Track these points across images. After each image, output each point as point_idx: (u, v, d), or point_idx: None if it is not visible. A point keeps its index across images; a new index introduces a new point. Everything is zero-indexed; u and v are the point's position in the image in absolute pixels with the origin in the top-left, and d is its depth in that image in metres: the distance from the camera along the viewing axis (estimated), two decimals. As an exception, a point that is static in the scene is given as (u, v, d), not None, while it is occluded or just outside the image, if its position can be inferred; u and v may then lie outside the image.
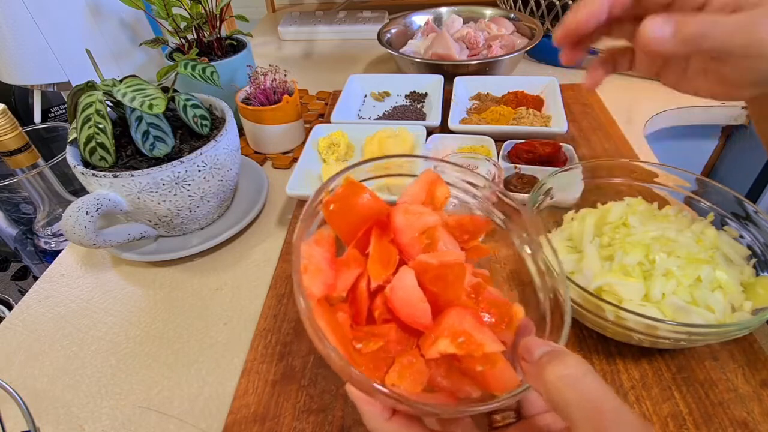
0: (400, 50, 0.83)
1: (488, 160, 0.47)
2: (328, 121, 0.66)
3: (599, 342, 0.40)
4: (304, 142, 0.69)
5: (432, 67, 0.76)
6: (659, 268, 0.36)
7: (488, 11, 0.90)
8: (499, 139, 0.61)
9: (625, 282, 0.36)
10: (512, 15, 0.87)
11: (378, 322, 0.25)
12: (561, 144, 0.58)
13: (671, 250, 0.37)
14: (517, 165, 0.56)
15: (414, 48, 0.84)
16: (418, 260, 0.26)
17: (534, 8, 0.90)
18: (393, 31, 0.88)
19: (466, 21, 0.89)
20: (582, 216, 0.44)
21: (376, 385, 0.21)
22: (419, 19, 0.91)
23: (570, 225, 0.44)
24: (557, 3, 0.87)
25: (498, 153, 0.59)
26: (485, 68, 0.75)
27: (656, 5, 0.31)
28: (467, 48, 0.81)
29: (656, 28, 0.27)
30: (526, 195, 0.53)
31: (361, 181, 0.29)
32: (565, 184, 0.53)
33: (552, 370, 0.21)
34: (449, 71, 0.74)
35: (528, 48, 0.77)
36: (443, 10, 0.92)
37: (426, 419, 0.25)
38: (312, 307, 0.23)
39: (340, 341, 0.23)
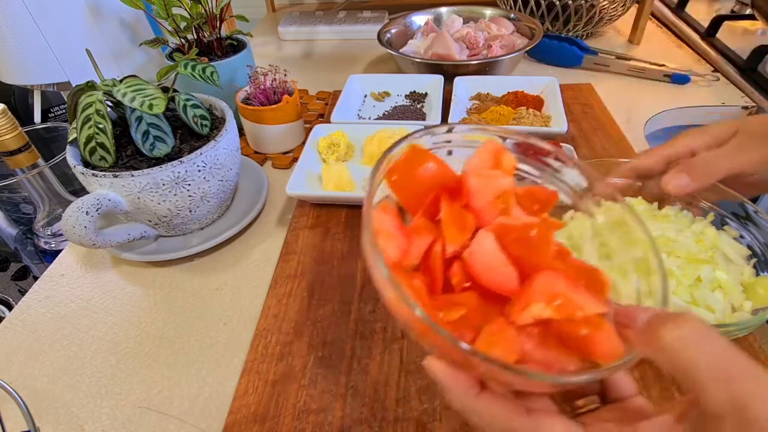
0: (400, 50, 0.83)
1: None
2: (328, 121, 0.66)
3: (599, 342, 0.40)
4: (304, 142, 0.69)
5: (432, 67, 0.75)
6: None
7: (488, 11, 0.90)
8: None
9: (623, 281, 0.36)
10: (512, 15, 0.87)
11: (456, 290, 0.24)
12: (561, 144, 0.58)
13: (671, 250, 0.37)
14: None
15: (414, 48, 0.84)
16: (497, 223, 0.24)
17: (534, 8, 0.90)
18: (393, 31, 0.88)
19: (466, 21, 0.89)
20: (581, 215, 0.44)
21: (472, 348, 0.19)
22: (419, 19, 0.91)
23: (569, 224, 0.44)
24: (557, 3, 0.87)
25: None
26: (485, 68, 0.75)
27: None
28: (467, 48, 0.81)
29: (673, 181, 0.37)
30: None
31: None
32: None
33: (668, 332, 0.19)
34: (449, 71, 0.74)
35: (528, 48, 0.77)
36: (443, 10, 0.92)
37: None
38: (391, 268, 0.21)
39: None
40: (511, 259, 0.23)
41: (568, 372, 0.22)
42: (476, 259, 0.23)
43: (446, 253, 0.24)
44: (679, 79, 0.80)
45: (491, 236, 0.23)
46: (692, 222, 0.42)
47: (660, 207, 0.43)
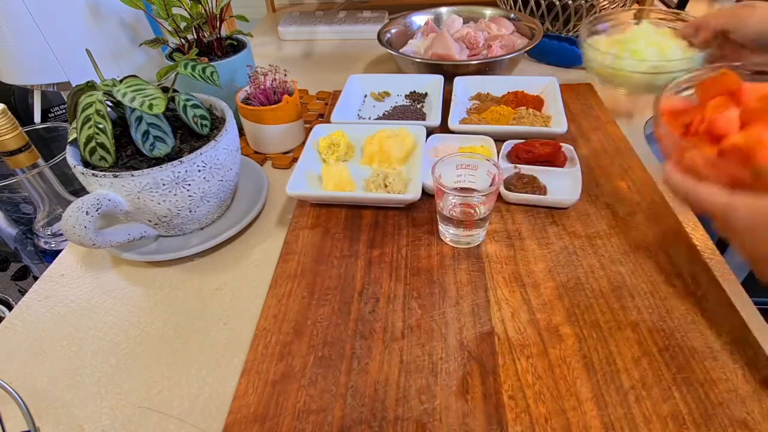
0: (400, 50, 0.83)
1: (488, 161, 0.47)
2: (328, 121, 0.66)
3: (599, 342, 0.40)
4: (304, 142, 0.69)
5: (432, 67, 0.75)
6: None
7: (488, 11, 0.90)
8: (499, 139, 0.61)
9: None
10: (512, 15, 0.87)
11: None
12: (561, 144, 0.58)
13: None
14: (517, 165, 0.56)
15: (414, 48, 0.84)
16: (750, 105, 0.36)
17: (534, 8, 0.90)
18: (393, 31, 0.88)
19: (466, 21, 0.89)
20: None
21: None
22: (419, 19, 0.91)
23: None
24: (557, 3, 0.87)
25: (498, 153, 0.59)
26: (485, 68, 0.75)
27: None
28: (467, 48, 0.81)
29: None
30: (527, 195, 0.53)
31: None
32: (565, 185, 0.54)
33: None
34: (449, 71, 0.75)
35: (528, 48, 0.77)
36: (443, 10, 0.92)
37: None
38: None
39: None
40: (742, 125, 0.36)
41: None
42: (722, 118, 0.36)
43: (704, 117, 0.37)
44: None
45: (736, 111, 0.36)
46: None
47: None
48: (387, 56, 0.96)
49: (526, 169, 0.56)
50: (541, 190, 0.53)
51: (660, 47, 0.61)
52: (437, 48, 0.78)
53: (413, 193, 0.52)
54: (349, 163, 0.61)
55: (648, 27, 0.65)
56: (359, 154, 0.63)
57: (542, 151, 0.57)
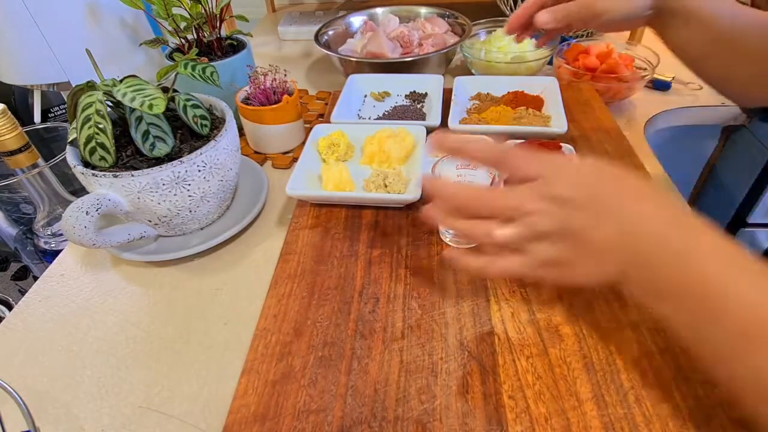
0: (339, 49, 0.86)
1: None
2: (328, 121, 0.66)
3: (599, 342, 0.40)
4: (304, 142, 0.69)
5: (367, 64, 0.78)
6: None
7: (423, 10, 0.93)
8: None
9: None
10: (447, 13, 0.91)
11: None
12: (561, 144, 0.58)
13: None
14: None
15: (352, 47, 0.87)
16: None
17: (534, 8, 0.90)
18: (330, 33, 0.91)
19: (403, 20, 0.92)
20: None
21: None
22: (357, 20, 0.95)
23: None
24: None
25: None
26: (417, 65, 0.78)
27: None
28: (401, 46, 0.84)
29: (540, 18, 0.51)
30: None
31: None
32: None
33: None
34: (382, 68, 0.78)
35: (457, 44, 0.81)
36: (379, 10, 0.95)
37: None
38: None
39: None
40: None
41: None
42: None
43: None
44: (661, 85, 0.80)
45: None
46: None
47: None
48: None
49: None
50: None
51: (520, 44, 0.74)
52: (371, 47, 0.81)
53: (413, 194, 0.52)
54: (349, 163, 0.61)
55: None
56: (359, 154, 0.63)
57: (542, 152, 0.57)
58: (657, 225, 0.31)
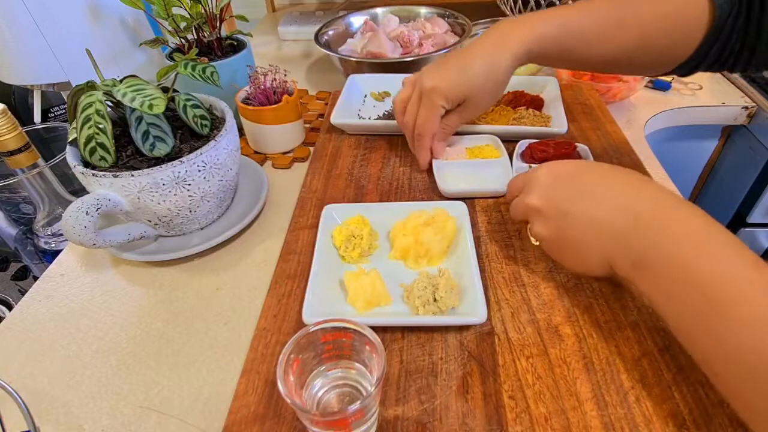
0: (339, 49, 0.86)
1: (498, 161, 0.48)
2: (328, 122, 0.66)
3: (599, 341, 0.40)
4: (304, 142, 0.69)
5: (367, 64, 0.78)
6: None
7: (423, 10, 0.93)
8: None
9: None
10: (447, 14, 0.91)
11: None
12: (576, 144, 0.58)
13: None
14: (532, 165, 0.57)
15: (351, 47, 0.87)
16: None
17: (534, 8, 0.90)
18: (330, 33, 0.91)
19: (404, 20, 0.93)
20: None
21: None
22: (357, 20, 0.95)
23: None
24: (557, 3, 0.87)
25: (512, 153, 0.59)
26: (418, 65, 0.77)
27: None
28: (401, 46, 0.84)
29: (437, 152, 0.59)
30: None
31: None
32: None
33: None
34: (383, 68, 0.78)
35: (458, 44, 0.81)
36: (379, 10, 0.95)
37: None
38: None
39: None
40: None
41: None
42: None
43: None
44: (661, 85, 0.80)
45: None
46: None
47: None
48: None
49: None
50: None
51: None
52: (371, 47, 0.81)
53: (477, 316, 0.40)
54: (374, 257, 0.49)
55: None
56: (385, 243, 0.50)
57: (557, 151, 0.56)
58: (615, 204, 0.37)
